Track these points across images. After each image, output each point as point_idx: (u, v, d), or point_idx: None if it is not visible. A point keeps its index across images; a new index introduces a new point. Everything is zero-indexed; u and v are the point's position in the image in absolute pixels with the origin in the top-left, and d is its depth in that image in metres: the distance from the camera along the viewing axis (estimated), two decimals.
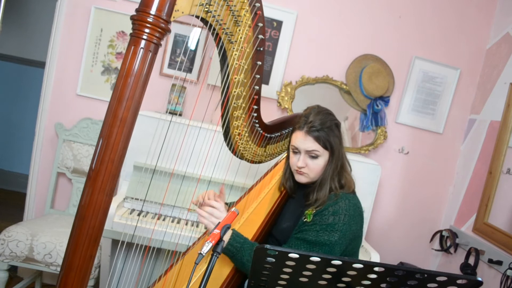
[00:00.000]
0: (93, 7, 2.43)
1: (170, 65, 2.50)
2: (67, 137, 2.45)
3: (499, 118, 2.30)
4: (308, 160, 1.36)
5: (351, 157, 2.25)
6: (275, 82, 2.54)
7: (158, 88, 2.48)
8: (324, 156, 1.36)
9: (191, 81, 2.50)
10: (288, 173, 1.50)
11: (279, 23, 2.51)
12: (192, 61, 2.51)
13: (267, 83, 2.54)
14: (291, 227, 1.41)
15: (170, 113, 2.38)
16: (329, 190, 1.36)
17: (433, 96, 2.62)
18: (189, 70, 2.50)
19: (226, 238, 1.26)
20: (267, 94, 2.53)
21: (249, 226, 1.44)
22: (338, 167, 1.38)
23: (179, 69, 2.51)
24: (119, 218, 1.93)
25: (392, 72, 2.58)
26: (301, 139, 1.35)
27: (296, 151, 1.39)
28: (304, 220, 1.34)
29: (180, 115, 2.40)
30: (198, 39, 2.49)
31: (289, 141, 1.44)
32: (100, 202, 0.99)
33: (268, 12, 2.48)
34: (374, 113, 2.56)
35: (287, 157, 1.51)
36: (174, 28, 2.45)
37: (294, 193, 1.52)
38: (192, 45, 2.51)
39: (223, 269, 1.33)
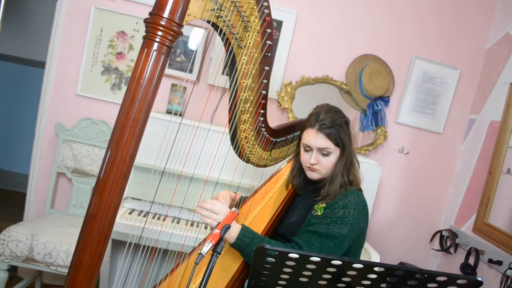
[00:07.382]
0: (93, 7, 2.43)
1: (170, 65, 2.49)
2: (67, 137, 2.45)
3: (499, 118, 2.30)
4: (320, 157, 1.39)
5: None
6: (275, 82, 2.54)
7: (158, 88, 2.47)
8: (335, 153, 1.39)
9: (191, 81, 2.50)
10: (296, 170, 1.53)
11: (279, 23, 2.51)
12: (192, 61, 2.51)
13: None
14: (299, 221, 1.43)
15: (169, 113, 2.38)
16: (339, 185, 1.39)
17: (433, 96, 2.62)
18: (190, 70, 2.50)
19: (235, 232, 1.28)
20: None
21: (254, 228, 1.45)
22: (347, 163, 1.41)
23: (179, 69, 2.50)
24: (119, 218, 1.93)
25: (392, 72, 2.58)
26: (313, 137, 1.37)
27: (308, 149, 1.41)
28: (314, 214, 1.36)
29: (180, 115, 2.40)
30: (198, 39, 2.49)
31: (299, 139, 1.47)
32: (110, 201, 1.01)
33: None
34: (374, 113, 2.56)
35: (296, 155, 1.54)
36: None
37: (301, 190, 1.54)
38: (192, 46, 2.51)
39: (234, 262, 1.34)
